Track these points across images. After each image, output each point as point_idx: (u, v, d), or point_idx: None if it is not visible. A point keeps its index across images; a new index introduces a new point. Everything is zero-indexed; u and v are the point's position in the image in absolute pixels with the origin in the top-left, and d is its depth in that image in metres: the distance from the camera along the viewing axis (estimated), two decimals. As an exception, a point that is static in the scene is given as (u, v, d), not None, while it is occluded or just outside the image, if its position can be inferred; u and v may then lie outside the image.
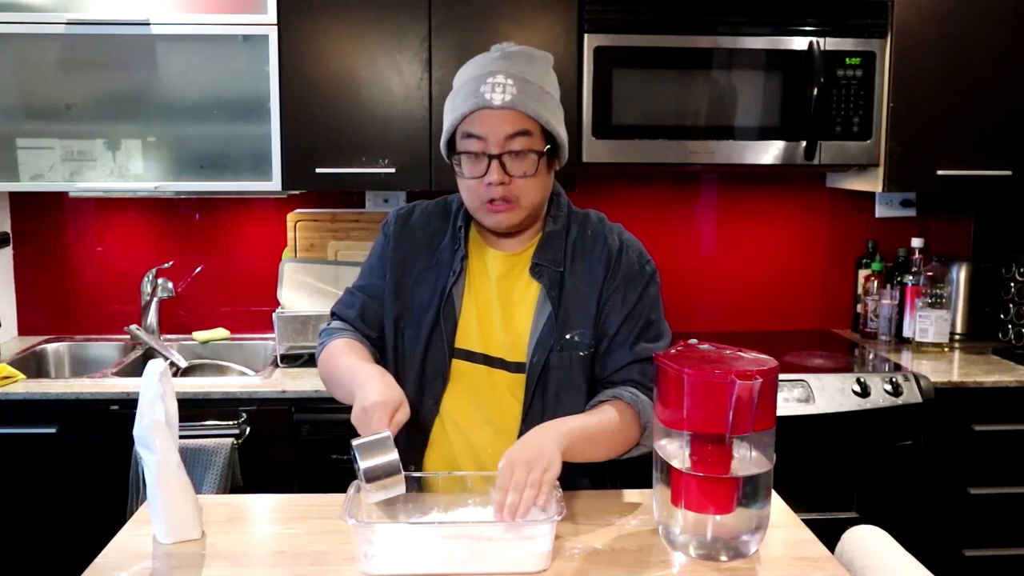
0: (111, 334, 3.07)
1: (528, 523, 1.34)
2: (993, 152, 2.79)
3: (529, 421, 1.59)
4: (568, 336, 1.61)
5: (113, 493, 2.43)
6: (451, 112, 1.59)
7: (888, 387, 2.55)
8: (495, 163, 1.54)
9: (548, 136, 1.58)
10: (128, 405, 2.40)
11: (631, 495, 1.63)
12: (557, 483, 1.40)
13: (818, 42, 2.68)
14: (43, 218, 3.07)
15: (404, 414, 1.44)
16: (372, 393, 1.43)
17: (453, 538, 1.32)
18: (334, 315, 1.75)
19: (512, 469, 1.36)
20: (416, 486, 1.50)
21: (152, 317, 2.98)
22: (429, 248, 1.68)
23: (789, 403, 2.50)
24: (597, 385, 1.65)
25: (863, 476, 2.57)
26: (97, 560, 1.37)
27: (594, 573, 1.33)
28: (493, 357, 1.63)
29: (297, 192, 2.98)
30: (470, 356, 1.63)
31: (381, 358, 1.69)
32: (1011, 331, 2.94)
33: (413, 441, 1.62)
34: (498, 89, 1.53)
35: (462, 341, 1.63)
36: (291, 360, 2.70)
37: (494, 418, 1.62)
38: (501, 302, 1.64)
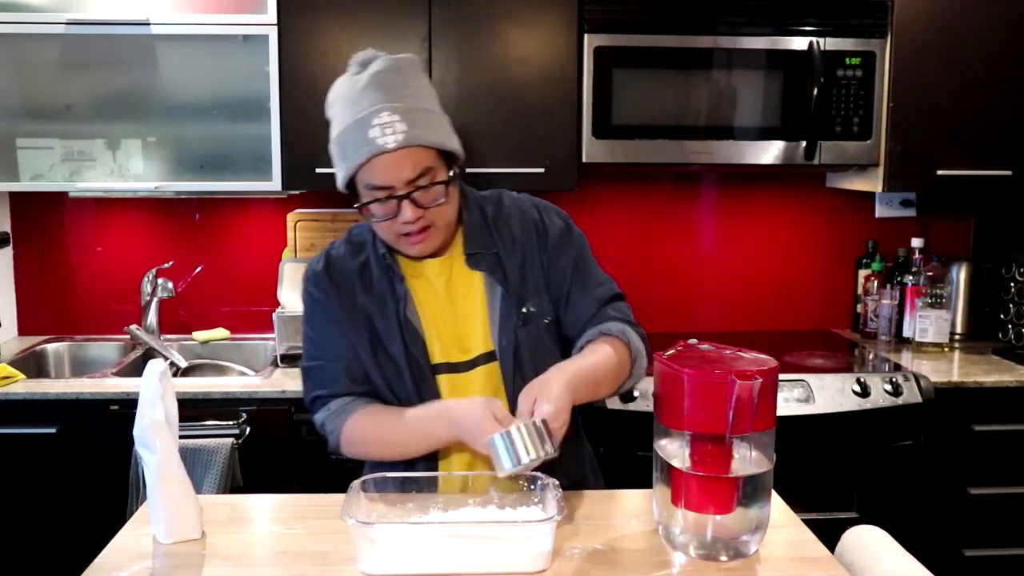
0: (111, 334, 3.07)
1: (528, 523, 1.34)
2: (993, 152, 2.79)
3: (514, 402, 1.58)
4: (526, 309, 1.63)
5: (113, 493, 2.43)
6: (343, 159, 1.54)
7: (888, 387, 2.55)
8: (406, 202, 1.52)
9: (446, 153, 1.56)
10: (128, 405, 2.40)
11: (631, 495, 1.63)
12: (557, 483, 1.41)
13: (818, 42, 2.68)
14: (43, 218, 3.07)
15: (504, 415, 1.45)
16: (465, 403, 1.48)
17: (453, 538, 1.32)
18: (319, 399, 1.64)
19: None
20: (415, 487, 1.50)
21: (152, 317, 2.98)
22: (364, 287, 1.64)
23: (789, 403, 2.50)
24: (574, 342, 1.67)
25: (863, 476, 2.57)
26: (97, 560, 1.37)
27: (594, 573, 1.33)
28: (470, 359, 1.62)
29: (297, 192, 2.98)
30: (451, 367, 1.63)
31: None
32: (1011, 331, 2.94)
33: (430, 462, 1.61)
34: (387, 131, 1.48)
35: (436, 356, 1.62)
36: (291, 360, 2.70)
37: None
38: (455, 304, 1.64)
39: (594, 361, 1.55)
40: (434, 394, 1.61)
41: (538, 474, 1.44)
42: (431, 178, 1.52)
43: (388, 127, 1.48)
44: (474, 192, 1.72)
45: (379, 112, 1.49)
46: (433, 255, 1.64)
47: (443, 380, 1.63)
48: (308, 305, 1.68)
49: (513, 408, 1.51)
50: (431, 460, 1.62)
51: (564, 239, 1.68)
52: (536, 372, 1.56)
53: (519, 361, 1.61)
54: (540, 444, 1.35)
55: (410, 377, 1.60)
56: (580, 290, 1.67)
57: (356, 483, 1.41)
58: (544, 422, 1.37)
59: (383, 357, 1.62)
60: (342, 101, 1.57)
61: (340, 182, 1.57)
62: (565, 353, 1.65)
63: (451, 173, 1.56)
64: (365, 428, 1.60)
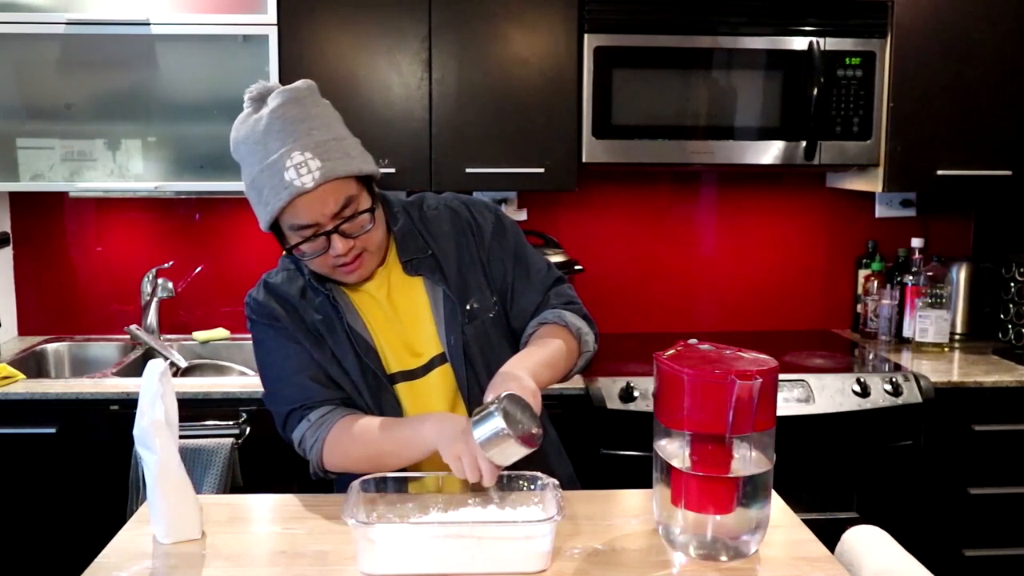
0: (111, 334, 3.07)
1: (528, 523, 1.34)
2: (993, 152, 2.79)
3: (472, 400, 1.60)
4: (469, 306, 1.63)
5: (113, 493, 2.43)
6: (261, 203, 1.50)
7: (888, 387, 2.55)
8: (335, 236, 1.50)
9: (364, 176, 1.55)
10: (128, 405, 2.40)
11: (631, 495, 1.63)
12: (557, 483, 1.41)
13: (818, 42, 2.68)
14: (43, 218, 3.07)
15: None
16: (439, 419, 1.46)
17: (453, 538, 1.32)
18: (294, 412, 1.59)
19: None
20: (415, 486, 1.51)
21: (152, 317, 2.98)
22: (309, 306, 1.62)
23: (789, 403, 2.50)
24: (522, 333, 1.68)
25: (863, 476, 2.57)
26: (97, 560, 1.37)
27: (594, 573, 1.33)
28: (424, 364, 1.62)
29: (297, 192, 2.98)
30: (406, 375, 1.62)
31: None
32: (1011, 331, 2.95)
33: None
34: (302, 170, 1.46)
35: (391, 366, 1.62)
36: (291, 360, 2.70)
37: (458, 414, 1.61)
38: (399, 312, 1.63)
39: (544, 351, 1.56)
40: (393, 404, 1.60)
41: (538, 474, 1.45)
42: (355, 208, 1.52)
43: (302, 166, 1.46)
44: (397, 199, 1.71)
45: (290, 153, 1.47)
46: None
47: (401, 389, 1.62)
48: (257, 334, 1.65)
49: (472, 406, 1.54)
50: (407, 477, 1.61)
51: (498, 233, 1.69)
52: (488, 367, 1.58)
53: (470, 358, 1.61)
54: (533, 417, 1.36)
55: (367, 389, 1.60)
56: (522, 281, 1.68)
57: (356, 483, 1.41)
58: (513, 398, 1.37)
59: (338, 372, 1.60)
60: (247, 144, 1.54)
61: (263, 225, 1.54)
62: (514, 346, 1.67)
63: (372, 198, 1.55)
64: (347, 440, 1.55)
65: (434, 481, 1.53)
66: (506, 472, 1.42)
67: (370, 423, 1.55)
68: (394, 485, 1.47)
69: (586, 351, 1.67)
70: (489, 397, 1.40)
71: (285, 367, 1.61)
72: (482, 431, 1.33)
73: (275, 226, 1.54)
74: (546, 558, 1.33)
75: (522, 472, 1.46)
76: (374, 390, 1.60)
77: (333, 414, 1.57)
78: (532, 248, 1.74)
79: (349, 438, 1.55)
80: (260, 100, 1.55)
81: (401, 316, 1.64)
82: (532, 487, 1.45)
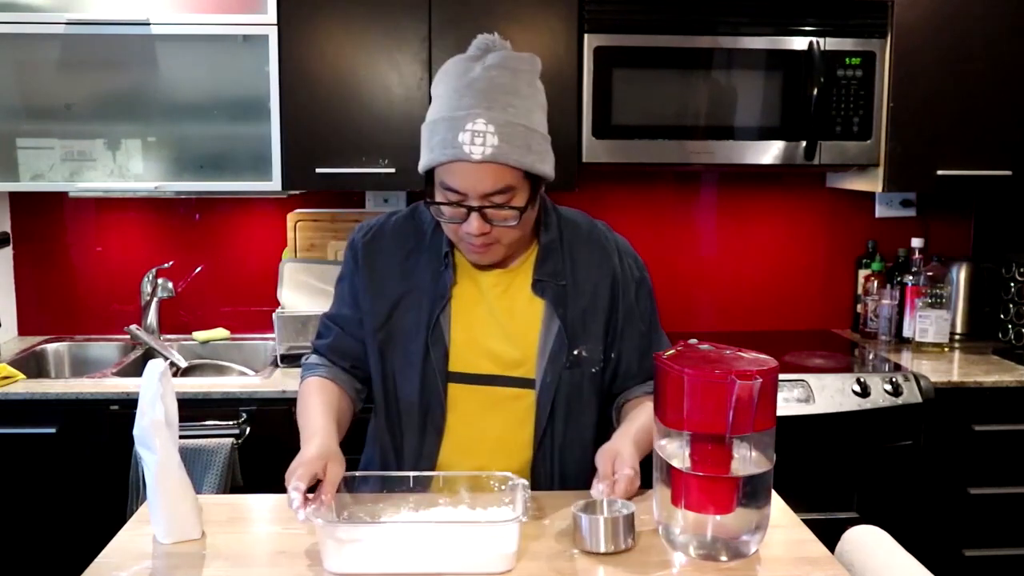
0: (111, 334, 3.07)
1: (492, 523, 1.35)
2: (993, 152, 2.79)
3: (542, 441, 1.59)
4: (576, 352, 1.59)
5: (113, 493, 2.43)
6: (428, 149, 1.50)
7: (888, 387, 2.55)
8: (474, 214, 1.48)
9: (533, 175, 1.50)
10: (128, 405, 2.40)
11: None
12: (527, 484, 1.42)
13: (818, 42, 2.68)
14: (43, 218, 3.07)
15: (335, 470, 1.41)
16: (312, 451, 1.44)
17: (418, 538, 1.32)
18: (313, 348, 1.72)
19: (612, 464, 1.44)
20: (388, 486, 1.51)
21: (152, 317, 2.98)
22: (404, 270, 1.61)
23: (789, 403, 2.50)
24: (614, 398, 1.66)
25: (863, 476, 2.57)
26: (97, 560, 1.37)
27: (594, 573, 1.33)
28: (495, 376, 1.59)
29: (297, 192, 2.98)
30: (468, 379, 1.59)
31: (363, 385, 1.68)
32: (1011, 331, 2.94)
33: (420, 470, 1.59)
34: (477, 140, 1.43)
35: (457, 364, 1.59)
36: (291, 360, 2.70)
37: (504, 437, 1.60)
38: (501, 318, 1.60)
39: (648, 423, 1.53)
40: (440, 401, 1.58)
41: (508, 474, 1.45)
42: (508, 198, 1.47)
43: (479, 136, 1.43)
44: (559, 211, 1.67)
45: (475, 118, 1.44)
46: (494, 266, 1.60)
47: (456, 389, 1.58)
48: (346, 261, 1.69)
49: (538, 445, 1.57)
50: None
51: (640, 294, 1.65)
52: (567, 416, 1.58)
53: (556, 400, 1.58)
54: (623, 536, 1.37)
55: (419, 379, 1.58)
56: (641, 352, 1.64)
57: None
58: (630, 517, 1.39)
59: (394, 350, 1.60)
60: (447, 85, 1.51)
61: (421, 167, 1.54)
62: (601, 406, 1.65)
63: (531, 199, 1.50)
64: (301, 396, 1.64)
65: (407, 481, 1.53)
66: (478, 472, 1.48)
67: (315, 390, 1.61)
68: (366, 485, 1.48)
69: None
70: (602, 467, 1.46)
71: (335, 307, 1.70)
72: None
73: (429, 173, 1.52)
74: (511, 559, 1.32)
75: (492, 473, 1.47)
76: (425, 381, 1.57)
77: (318, 368, 1.66)
78: (657, 320, 1.70)
79: (302, 395, 1.63)
80: (484, 51, 1.52)
81: (503, 324, 1.59)
82: (502, 488, 1.45)
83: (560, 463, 1.61)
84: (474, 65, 1.50)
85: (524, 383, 1.59)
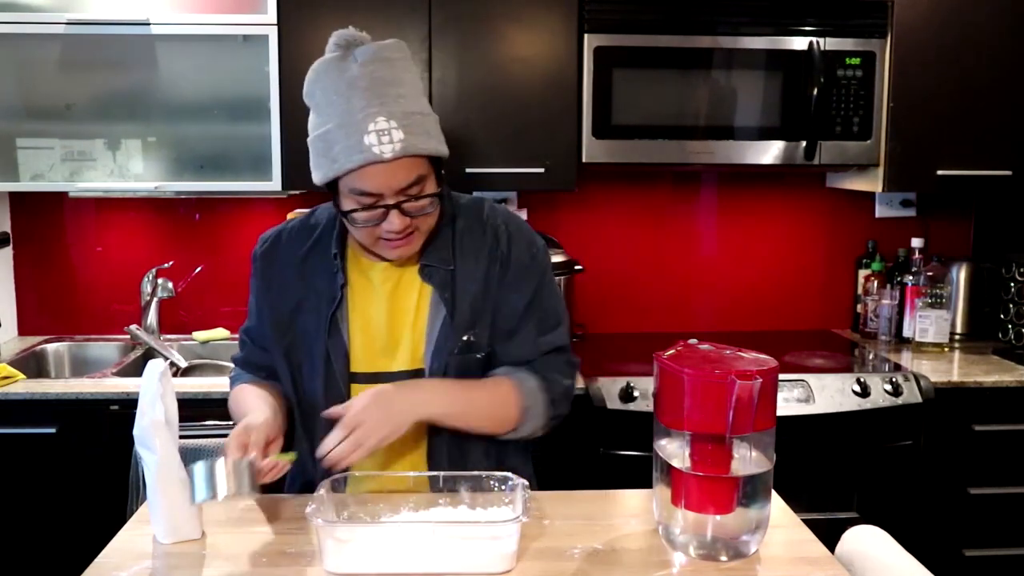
0: (111, 334, 3.07)
1: (492, 523, 1.35)
2: (993, 152, 2.79)
3: (436, 431, 1.58)
4: (465, 338, 1.58)
5: (113, 493, 2.43)
6: (328, 159, 1.46)
7: (888, 387, 2.55)
8: (394, 212, 1.47)
9: (437, 161, 1.52)
10: (128, 405, 2.40)
11: (631, 495, 1.63)
12: (527, 484, 1.41)
13: (818, 42, 2.68)
14: (43, 218, 3.07)
15: (257, 437, 1.45)
16: (255, 417, 1.48)
17: (418, 538, 1.32)
18: (233, 361, 1.80)
19: (356, 415, 1.44)
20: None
21: (152, 317, 2.98)
22: (301, 275, 1.62)
23: (789, 403, 2.50)
24: None
25: (863, 476, 2.57)
26: (97, 560, 1.37)
27: (594, 573, 1.33)
28: (393, 372, 1.59)
29: (297, 192, 2.98)
30: (371, 377, 1.59)
31: (278, 389, 1.69)
32: (1011, 331, 2.95)
33: (333, 472, 1.58)
34: (384, 139, 1.42)
35: (358, 364, 1.59)
36: (291, 360, 2.70)
37: (406, 431, 1.56)
38: (393, 313, 1.60)
39: (474, 394, 1.56)
40: (342, 401, 1.56)
41: (509, 474, 1.45)
42: (421, 188, 1.48)
43: (384, 135, 1.42)
44: (453, 196, 1.66)
45: (374, 117, 1.43)
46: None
47: (360, 390, 1.57)
48: (252, 273, 1.71)
49: (429, 432, 1.57)
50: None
51: (525, 275, 1.62)
52: None
53: None
54: (239, 483, 1.35)
55: (322, 381, 1.59)
56: (526, 333, 1.62)
57: (326, 482, 1.41)
58: (252, 463, 1.37)
59: (298, 353, 1.61)
60: (326, 92, 1.47)
61: (320, 180, 1.50)
62: None
63: (439, 183, 1.52)
64: (231, 401, 1.70)
65: (404, 481, 1.54)
66: (478, 472, 1.48)
67: (239, 393, 1.67)
68: (366, 485, 1.48)
69: (522, 428, 1.60)
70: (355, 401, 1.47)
71: (248, 320, 1.74)
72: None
73: (332, 183, 1.50)
74: (511, 559, 1.32)
75: (492, 472, 1.47)
76: (328, 382, 1.58)
77: (241, 377, 1.73)
78: (555, 297, 1.67)
79: (231, 401, 1.70)
80: (347, 48, 1.50)
81: (394, 318, 1.60)
82: (503, 487, 1.45)
83: (457, 448, 1.60)
84: (347, 64, 1.47)
85: (417, 374, 1.59)
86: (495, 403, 1.58)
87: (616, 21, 2.67)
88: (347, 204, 1.50)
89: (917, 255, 3.04)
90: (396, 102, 1.45)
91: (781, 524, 1.49)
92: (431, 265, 1.59)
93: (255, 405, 1.57)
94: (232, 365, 1.82)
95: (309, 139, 1.51)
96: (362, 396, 1.48)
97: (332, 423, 1.50)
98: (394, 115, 1.44)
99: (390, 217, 1.48)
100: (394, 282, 1.61)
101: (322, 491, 1.39)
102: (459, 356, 1.58)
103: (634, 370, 2.58)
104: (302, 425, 1.64)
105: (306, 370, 1.61)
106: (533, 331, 1.63)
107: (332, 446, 1.43)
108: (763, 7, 2.69)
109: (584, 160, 2.71)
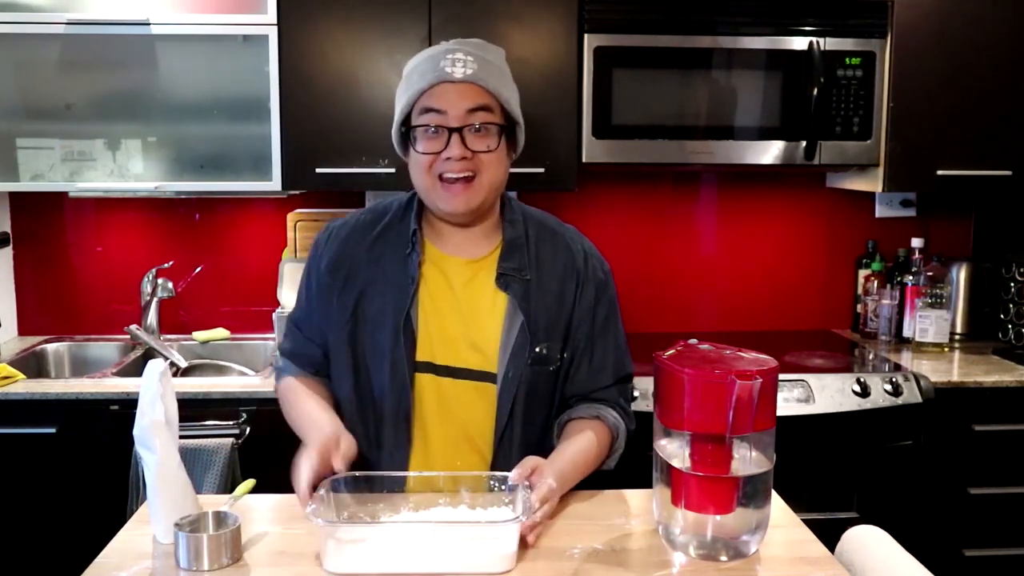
0: (111, 334, 3.07)
1: (492, 523, 1.35)
2: (993, 152, 2.79)
3: (502, 437, 1.59)
4: (539, 349, 1.60)
5: (113, 493, 2.43)
6: (406, 92, 1.58)
7: (888, 387, 2.55)
8: (455, 137, 1.52)
9: (507, 117, 1.58)
10: (128, 405, 2.40)
11: (631, 495, 1.63)
12: (528, 484, 1.42)
13: (818, 42, 2.68)
14: (43, 218, 3.07)
15: (348, 447, 1.47)
16: (316, 436, 1.48)
17: (418, 538, 1.33)
18: (280, 351, 1.79)
19: (556, 492, 1.45)
20: (396, 486, 1.51)
21: (152, 317, 2.98)
22: (371, 259, 1.63)
23: (789, 403, 2.50)
24: (570, 399, 1.66)
25: (863, 476, 2.57)
26: (97, 560, 1.37)
27: (594, 573, 1.33)
28: (459, 368, 1.60)
29: (297, 192, 2.98)
30: (434, 369, 1.59)
31: (327, 386, 1.70)
32: (1011, 331, 2.95)
33: (394, 460, 1.61)
34: (458, 64, 1.53)
35: (424, 354, 1.60)
36: (291, 360, 2.70)
37: (469, 431, 1.61)
38: (466, 311, 1.61)
39: (585, 458, 1.58)
40: (407, 393, 1.58)
41: (508, 474, 1.45)
42: (486, 118, 1.54)
43: (460, 62, 1.53)
44: (522, 206, 1.69)
45: (455, 51, 1.55)
46: (464, 225, 1.61)
47: (424, 380, 1.59)
48: (310, 260, 1.70)
49: (499, 440, 1.58)
50: (401, 468, 1.61)
51: (600, 294, 1.66)
52: (525, 414, 1.58)
53: (516, 397, 1.59)
54: (218, 556, 1.34)
55: (389, 365, 1.58)
56: (599, 356, 1.66)
57: (326, 482, 1.42)
58: (236, 533, 1.37)
59: (362, 338, 1.60)
60: (419, 56, 1.61)
61: (398, 114, 1.60)
62: (553, 406, 1.66)
63: (507, 135, 1.58)
64: (282, 396, 1.71)
65: (406, 481, 1.54)
66: (478, 473, 1.50)
67: (297, 396, 1.65)
68: (366, 485, 1.48)
69: (608, 464, 1.67)
70: (517, 470, 1.44)
71: (298, 311, 1.73)
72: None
73: (405, 122, 1.58)
74: (511, 559, 1.32)
75: (493, 472, 1.48)
76: (395, 370, 1.57)
77: (290, 369, 1.72)
78: (622, 330, 1.71)
79: (284, 397, 1.70)
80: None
81: (466, 316, 1.60)
82: (503, 487, 1.45)
83: (518, 461, 1.60)
84: (446, 43, 1.62)
85: (486, 376, 1.59)
86: (596, 461, 1.62)
87: (616, 21, 2.67)
88: (415, 134, 1.56)
89: (917, 255, 3.04)
90: (480, 52, 1.57)
91: (781, 524, 1.49)
92: (508, 274, 1.60)
93: (314, 415, 1.58)
94: (279, 354, 1.81)
95: (396, 92, 1.63)
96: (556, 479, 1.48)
97: (397, 408, 1.57)
98: (473, 54, 1.55)
99: (451, 144, 1.52)
100: (468, 279, 1.62)
101: (322, 491, 1.39)
102: (530, 367, 1.59)
103: (634, 370, 2.57)
104: (359, 410, 1.64)
105: (370, 356, 1.61)
106: (610, 357, 1.67)
107: (540, 517, 1.42)
108: (763, 7, 2.69)
109: (584, 160, 2.71)
